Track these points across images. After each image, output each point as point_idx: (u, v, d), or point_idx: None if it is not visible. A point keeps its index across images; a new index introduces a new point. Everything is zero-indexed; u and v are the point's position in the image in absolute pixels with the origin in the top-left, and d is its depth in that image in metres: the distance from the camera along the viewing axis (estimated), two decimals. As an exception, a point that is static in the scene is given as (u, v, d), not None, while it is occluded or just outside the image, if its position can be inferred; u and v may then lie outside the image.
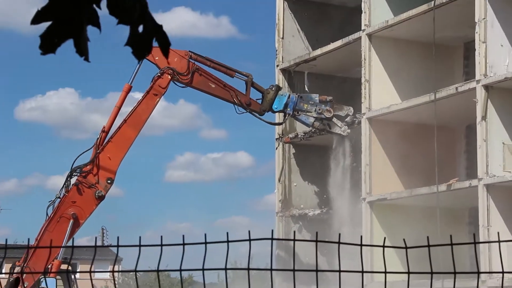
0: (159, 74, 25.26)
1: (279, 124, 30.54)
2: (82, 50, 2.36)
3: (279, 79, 33.49)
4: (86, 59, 2.39)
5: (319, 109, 26.92)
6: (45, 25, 2.30)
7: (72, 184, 24.12)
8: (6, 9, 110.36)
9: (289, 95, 27.29)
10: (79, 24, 2.33)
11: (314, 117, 27.08)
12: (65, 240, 23.11)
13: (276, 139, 33.53)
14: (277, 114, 28.38)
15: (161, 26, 2.45)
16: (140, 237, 3.56)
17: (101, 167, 24.26)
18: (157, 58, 25.11)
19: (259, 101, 26.77)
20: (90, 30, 2.40)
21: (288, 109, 26.92)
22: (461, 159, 30.79)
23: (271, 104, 26.73)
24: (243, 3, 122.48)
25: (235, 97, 26.15)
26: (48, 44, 2.32)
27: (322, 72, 33.17)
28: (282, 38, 33.96)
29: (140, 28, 2.42)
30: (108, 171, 24.34)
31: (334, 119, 27.35)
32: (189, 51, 25.80)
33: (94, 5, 2.34)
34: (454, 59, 31.10)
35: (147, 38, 2.43)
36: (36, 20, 2.31)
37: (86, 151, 24.46)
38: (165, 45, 2.48)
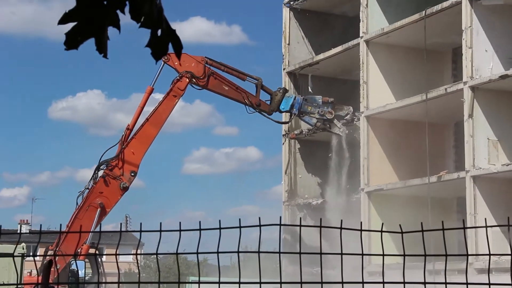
0: (178, 77, 25.24)
1: (285, 123, 30.56)
2: (102, 48, 2.33)
3: (286, 81, 33.47)
4: (105, 56, 2.36)
5: (322, 111, 26.98)
6: (70, 24, 2.29)
7: (100, 177, 24.14)
8: (39, 18, 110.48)
9: (295, 97, 27.31)
10: (101, 25, 2.31)
11: (316, 118, 27.17)
12: (93, 226, 23.13)
13: (283, 135, 33.52)
14: (284, 113, 28.40)
15: (174, 30, 2.42)
16: (160, 223, 3.55)
17: (126, 161, 24.28)
18: (176, 63, 25.10)
19: (268, 102, 26.80)
20: (111, 31, 2.38)
21: (294, 109, 26.99)
22: (450, 153, 30.71)
23: (279, 105, 26.76)
24: (253, 13, 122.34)
25: (246, 99, 26.15)
26: (72, 41, 2.30)
27: (324, 74, 33.14)
28: (288, 44, 33.94)
29: (159, 32, 2.39)
30: (132, 165, 24.36)
31: (335, 121, 27.46)
32: (205, 57, 25.79)
33: (118, 10, 2.32)
34: (443, 63, 31.02)
35: (164, 41, 2.40)
36: (63, 20, 2.29)
37: (112, 146, 24.49)
38: (178, 48, 2.44)
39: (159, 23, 2.39)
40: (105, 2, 2.28)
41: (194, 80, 25.37)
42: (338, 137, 28.73)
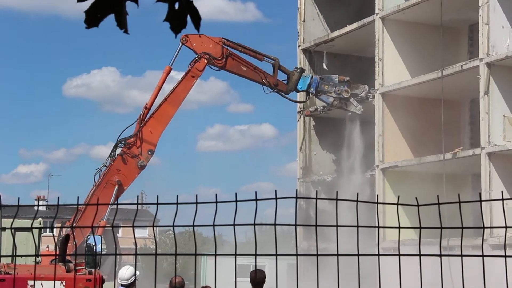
0: (196, 58, 25.40)
1: (303, 102, 30.77)
2: (122, 23, 2.30)
3: (301, 58, 33.40)
4: (126, 31, 2.33)
5: (338, 90, 27.14)
6: (89, 3, 2.26)
7: (117, 154, 24.31)
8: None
9: (312, 76, 27.41)
10: (119, 1, 2.28)
11: (333, 97, 27.33)
12: (111, 203, 23.28)
13: (298, 112, 33.50)
14: (300, 92, 28.52)
15: (191, 2, 2.39)
16: (177, 196, 3.55)
17: (144, 139, 24.47)
18: (194, 44, 25.30)
19: (285, 82, 26.95)
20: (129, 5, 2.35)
21: (311, 89, 27.17)
22: (465, 130, 30.63)
23: (296, 84, 26.92)
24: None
25: (264, 79, 26.27)
26: (92, 18, 2.27)
27: (340, 51, 33.03)
28: (304, 21, 33.83)
29: (176, 5, 2.36)
30: (149, 144, 24.55)
31: (351, 99, 27.61)
32: (223, 38, 25.87)
33: None
34: (459, 39, 30.85)
35: (182, 14, 2.36)
36: (81, -4, 2.28)
37: (130, 125, 24.63)
38: (196, 19, 2.41)
39: None
40: None
41: (212, 61, 25.51)
42: (353, 115, 28.80)
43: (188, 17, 2.43)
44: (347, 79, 27.50)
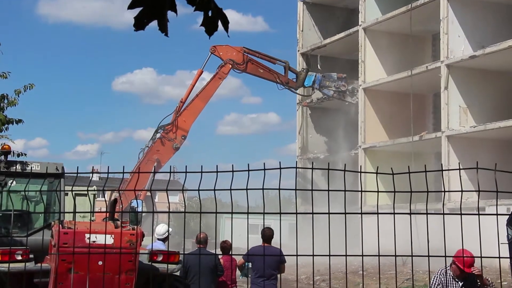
0: (222, 64, 25.56)
1: (308, 96, 30.93)
2: (163, 28, 2.29)
3: (300, 61, 33.34)
4: (166, 34, 2.32)
5: (337, 85, 27.58)
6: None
7: (157, 138, 24.46)
8: (104, 11, 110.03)
9: (316, 74, 27.70)
10: (162, 10, 2.27)
11: (333, 90, 27.72)
12: (151, 175, 23.36)
13: (297, 103, 33.48)
14: (306, 88, 28.77)
15: (221, 9, 2.37)
16: (202, 166, 3.57)
17: (178, 127, 24.59)
18: (221, 53, 25.57)
19: (294, 80, 27.18)
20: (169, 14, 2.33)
21: (315, 85, 27.55)
22: (429, 118, 30.57)
23: (303, 81, 27.24)
24: (273, 6, 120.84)
25: (278, 78, 26.44)
26: (139, 23, 2.27)
27: (330, 55, 32.96)
28: (302, 31, 33.74)
29: (209, 13, 2.34)
30: (183, 130, 24.67)
31: (347, 92, 28.08)
32: (244, 47, 26.03)
33: None
34: (424, 46, 30.73)
35: (214, 20, 2.35)
36: (131, 6, 2.27)
37: (168, 115, 24.92)
38: (226, 24, 2.39)
39: (209, 5, 2.34)
40: None
41: (235, 66, 25.68)
42: (344, 106, 29.03)
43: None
44: (344, 76, 27.93)
